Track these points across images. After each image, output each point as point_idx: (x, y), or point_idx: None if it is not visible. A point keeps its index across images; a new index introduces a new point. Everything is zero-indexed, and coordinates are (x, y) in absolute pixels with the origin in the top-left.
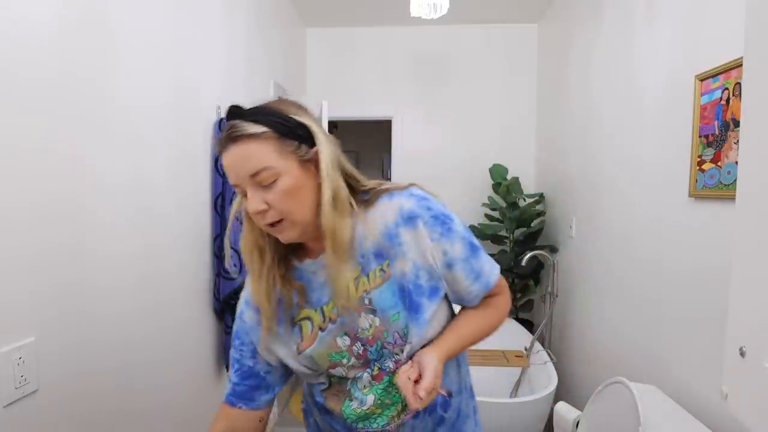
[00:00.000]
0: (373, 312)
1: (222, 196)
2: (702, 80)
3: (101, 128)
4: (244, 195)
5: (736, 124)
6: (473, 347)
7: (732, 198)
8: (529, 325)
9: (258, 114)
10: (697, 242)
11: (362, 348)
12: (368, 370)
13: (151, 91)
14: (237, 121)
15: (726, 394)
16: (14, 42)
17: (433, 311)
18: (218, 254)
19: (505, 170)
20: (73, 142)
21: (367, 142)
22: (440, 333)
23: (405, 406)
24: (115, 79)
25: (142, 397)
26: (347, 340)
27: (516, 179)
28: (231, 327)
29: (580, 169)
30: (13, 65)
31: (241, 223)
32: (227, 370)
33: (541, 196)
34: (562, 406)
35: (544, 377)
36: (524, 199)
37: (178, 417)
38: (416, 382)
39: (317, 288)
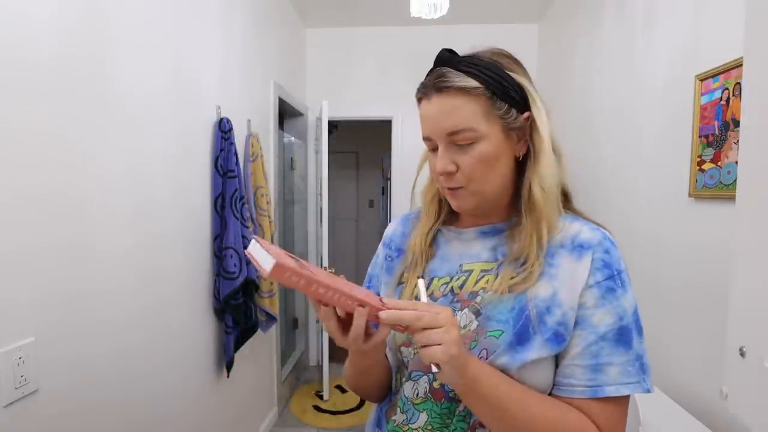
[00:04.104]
0: (477, 314)
1: (222, 196)
2: (702, 80)
3: (101, 129)
4: (433, 150)
5: (736, 124)
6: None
7: (732, 198)
8: None
9: (473, 65)
10: (697, 242)
11: None
12: (430, 374)
13: (151, 91)
14: (447, 70)
15: (726, 394)
16: (13, 41)
17: (538, 358)
18: (218, 254)
19: None
20: (73, 143)
21: (367, 142)
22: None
23: None
24: (114, 79)
25: (142, 396)
26: None
27: None
28: (231, 327)
29: (580, 169)
30: (12, 64)
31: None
32: (227, 370)
33: None
34: None
35: None
36: None
37: (177, 414)
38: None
39: (439, 257)
